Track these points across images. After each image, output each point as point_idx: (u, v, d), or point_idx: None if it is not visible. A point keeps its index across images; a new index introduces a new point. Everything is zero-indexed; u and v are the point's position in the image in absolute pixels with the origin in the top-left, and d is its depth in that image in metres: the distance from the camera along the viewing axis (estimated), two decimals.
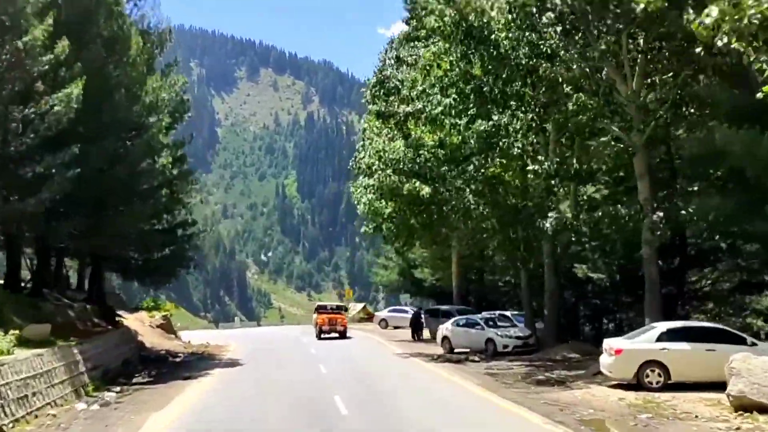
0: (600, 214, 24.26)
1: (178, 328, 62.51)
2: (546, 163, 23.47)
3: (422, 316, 40.92)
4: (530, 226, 27.20)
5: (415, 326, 39.90)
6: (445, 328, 31.12)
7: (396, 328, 49.68)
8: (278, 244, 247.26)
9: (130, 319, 37.15)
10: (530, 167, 24.62)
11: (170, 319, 44.05)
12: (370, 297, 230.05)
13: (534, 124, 24.16)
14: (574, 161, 24.37)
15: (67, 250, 30.26)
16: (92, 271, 35.38)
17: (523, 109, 23.64)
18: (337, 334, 40.77)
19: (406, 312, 51.15)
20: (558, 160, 23.94)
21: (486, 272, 48.33)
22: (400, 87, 31.09)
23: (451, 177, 28.53)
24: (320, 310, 44.34)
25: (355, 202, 36.46)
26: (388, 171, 30.25)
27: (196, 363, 29.45)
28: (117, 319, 33.53)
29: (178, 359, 31.50)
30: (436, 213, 31.60)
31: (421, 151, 29.21)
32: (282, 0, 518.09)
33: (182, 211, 38.56)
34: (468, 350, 29.38)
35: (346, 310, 48.39)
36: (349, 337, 41.13)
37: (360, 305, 75.90)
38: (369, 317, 59.93)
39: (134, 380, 22.80)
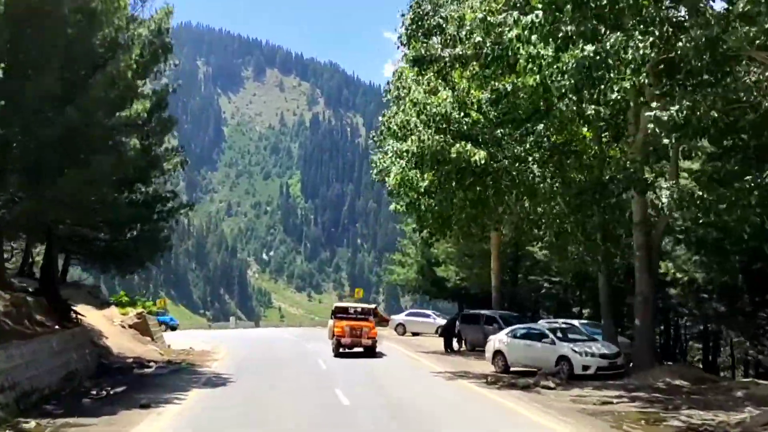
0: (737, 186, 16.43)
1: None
2: (673, 109, 15.32)
3: (458, 322, 32.48)
4: (614, 208, 20.84)
5: (449, 335, 31.93)
6: (498, 339, 23.56)
7: (415, 334, 42.44)
8: (280, 244, 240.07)
9: (94, 317, 28.50)
10: (648, 114, 16.42)
11: (146, 318, 33.57)
12: (370, 299, 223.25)
13: (657, 50, 15.90)
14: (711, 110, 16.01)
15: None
16: (46, 253, 27.00)
17: (642, 28, 15.52)
18: (362, 349, 27.88)
19: (427, 316, 44.39)
20: (689, 104, 15.62)
21: (523, 270, 40.88)
22: (444, 24, 22.61)
23: (507, 142, 22.22)
24: (339, 314, 30.07)
25: (374, 175, 29.09)
26: (430, 130, 22.27)
27: (168, 378, 21.55)
28: (74, 316, 25.28)
29: (147, 370, 23.64)
30: (492, 187, 23.29)
31: (469, 110, 22.36)
32: (289, 1, 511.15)
33: (161, 179, 30.37)
34: (530, 369, 21.84)
35: (375, 315, 33.93)
36: (380, 354, 28.47)
37: (370, 307, 58.37)
38: (382, 321, 51.55)
39: (76, 405, 15.53)
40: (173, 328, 55.83)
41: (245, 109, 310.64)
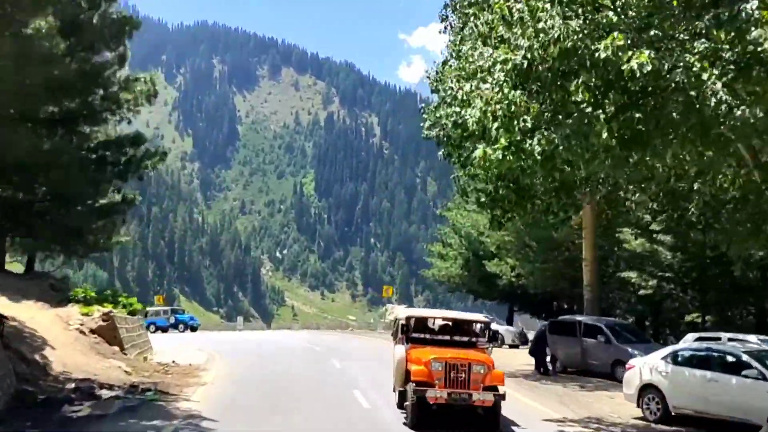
0: None
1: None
2: None
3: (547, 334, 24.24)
4: None
5: (541, 351, 23.80)
6: (649, 366, 15.04)
7: None
8: (294, 242, 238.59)
9: (41, 319, 20.01)
10: None
11: (115, 319, 22.00)
12: (382, 299, 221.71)
13: None
14: None
15: None
16: None
17: None
18: (464, 402, 12.82)
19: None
20: None
21: (611, 266, 32.42)
22: None
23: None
24: (415, 332, 14.70)
25: (425, 130, 22.10)
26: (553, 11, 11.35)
27: (114, 422, 12.79)
28: None
29: (88, 403, 14.24)
30: (654, 115, 11.58)
31: None
32: (305, 1, 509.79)
33: (115, 117, 21.64)
34: (712, 418, 13.70)
35: (494, 339, 16.10)
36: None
37: (401, 308, 43.13)
38: None
39: None
40: (194, 329, 52.23)
41: (260, 107, 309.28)
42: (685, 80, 10.72)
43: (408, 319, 14.75)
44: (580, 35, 11.05)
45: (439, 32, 22.76)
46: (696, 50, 10.99)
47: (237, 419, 13.47)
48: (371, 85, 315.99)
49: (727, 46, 11.00)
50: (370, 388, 17.82)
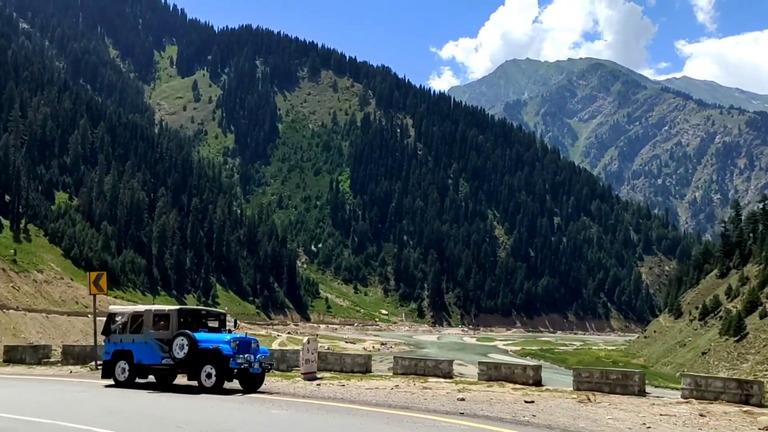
0: None
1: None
2: None
3: None
4: None
5: None
6: None
7: None
8: (328, 237, 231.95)
9: None
10: None
11: None
12: (414, 294, 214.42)
13: None
14: None
15: None
16: None
17: None
18: None
19: None
20: None
21: None
22: None
23: None
24: None
25: None
26: None
27: None
28: None
29: None
30: None
31: None
32: (344, 7, 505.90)
33: None
34: None
35: None
36: None
37: None
38: None
39: None
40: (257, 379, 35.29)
41: (300, 107, 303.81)
42: None
43: None
44: None
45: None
46: None
47: None
48: (407, 88, 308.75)
49: None
50: None
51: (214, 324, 22.67)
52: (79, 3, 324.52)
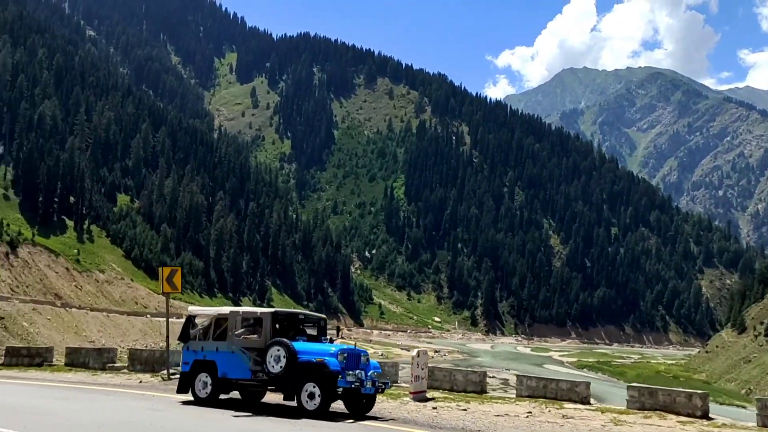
0: None
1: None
2: None
3: None
4: None
5: None
6: None
7: None
8: (382, 243, 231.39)
9: None
10: None
11: None
12: (468, 302, 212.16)
13: None
14: None
15: None
16: None
17: None
18: None
19: None
20: None
21: None
22: None
23: None
24: None
25: None
26: None
27: None
28: None
29: None
30: None
31: None
32: (401, 15, 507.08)
33: None
34: None
35: None
36: None
37: None
38: None
39: None
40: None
41: (355, 114, 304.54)
42: None
43: None
44: None
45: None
46: None
47: None
48: (462, 95, 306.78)
49: None
50: None
51: (312, 331, 19.09)
52: (144, 11, 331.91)
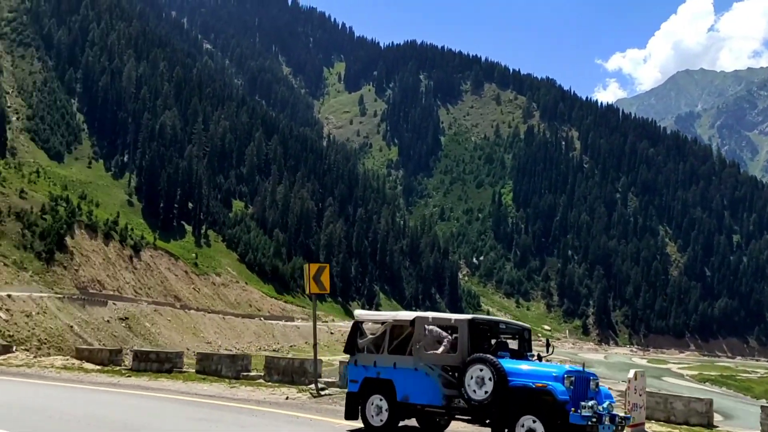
0: None
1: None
2: None
3: None
4: None
5: None
6: None
7: None
8: (490, 249, 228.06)
9: None
10: None
11: None
12: (579, 311, 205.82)
13: None
14: None
15: None
16: None
17: None
18: None
19: None
20: None
21: None
22: None
23: None
24: None
25: None
26: None
27: None
28: None
29: None
30: None
31: None
32: (508, 20, 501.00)
33: None
34: None
35: None
36: None
37: None
38: None
39: None
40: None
41: (462, 120, 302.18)
42: None
43: None
44: None
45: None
46: None
47: None
48: (572, 100, 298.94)
49: None
50: None
51: (513, 344, 14.89)
52: (257, 24, 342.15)
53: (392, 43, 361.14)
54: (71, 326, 69.88)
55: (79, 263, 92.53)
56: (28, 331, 62.46)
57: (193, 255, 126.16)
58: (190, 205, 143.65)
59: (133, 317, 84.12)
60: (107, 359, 27.91)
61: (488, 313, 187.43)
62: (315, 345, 21.35)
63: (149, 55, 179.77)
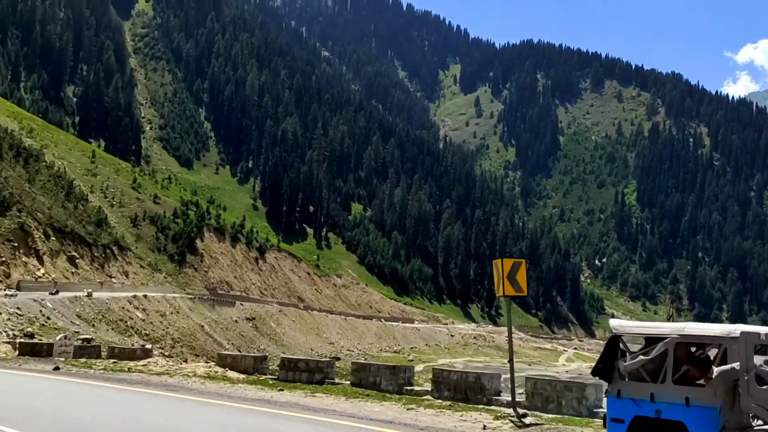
0: None
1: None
2: None
3: None
4: None
5: None
6: None
7: None
8: (613, 251, 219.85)
9: None
10: None
11: None
12: (711, 315, 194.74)
13: None
14: None
15: None
16: None
17: None
18: None
19: None
20: None
21: None
22: None
23: None
24: None
25: None
26: None
27: None
28: None
29: None
30: None
31: None
32: (628, 14, 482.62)
33: None
34: None
35: None
36: None
37: None
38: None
39: None
40: None
41: (582, 119, 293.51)
42: None
43: None
44: None
45: None
46: None
47: None
48: (700, 94, 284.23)
49: None
50: None
51: None
52: (373, 30, 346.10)
53: (508, 43, 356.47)
54: (202, 326, 72.19)
55: (209, 265, 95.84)
56: (163, 330, 64.88)
57: (315, 257, 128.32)
58: (311, 208, 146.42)
59: (260, 317, 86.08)
60: (252, 367, 23.97)
61: (613, 317, 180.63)
62: (511, 359, 15.73)
63: (270, 63, 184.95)
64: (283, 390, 19.18)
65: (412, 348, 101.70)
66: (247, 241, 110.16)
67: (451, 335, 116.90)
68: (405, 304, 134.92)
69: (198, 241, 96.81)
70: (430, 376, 19.20)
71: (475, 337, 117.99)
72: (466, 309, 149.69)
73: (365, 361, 24.42)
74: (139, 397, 16.06)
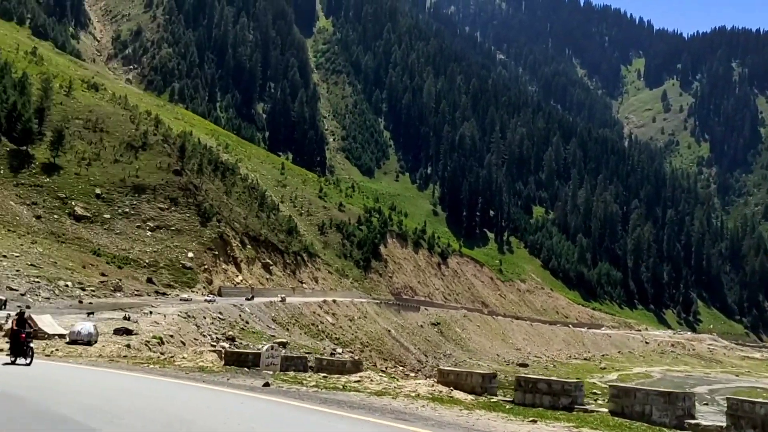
0: None
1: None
2: None
3: None
4: None
5: None
6: None
7: None
8: None
9: None
10: None
11: None
12: None
13: None
14: None
15: None
16: None
17: None
18: None
19: None
20: None
21: None
22: None
23: None
24: None
25: None
26: None
27: None
28: None
29: None
30: None
31: None
32: None
33: None
34: None
35: None
36: None
37: None
38: None
39: None
40: None
41: None
42: None
43: None
44: None
45: None
46: None
47: None
48: None
49: None
50: None
51: None
52: (548, 30, 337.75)
53: (697, 32, 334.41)
54: (389, 330, 72.72)
55: (393, 270, 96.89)
56: (352, 334, 65.99)
57: (497, 261, 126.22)
58: (491, 212, 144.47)
59: (444, 322, 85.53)
60: (480, 386, 19.12)
61: None
62: None
63: (446, 70, 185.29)
64: (536, 421, 14.93)
65: (603, 355, 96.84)
66: (429, 246, 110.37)
67: (646, 342, 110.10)
68: (593, 309, 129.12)
69: (381, 247, 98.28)
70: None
71: (672, 345, 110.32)
72: (660, 314, 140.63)
73: (627, 385, 18.88)
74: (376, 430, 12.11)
